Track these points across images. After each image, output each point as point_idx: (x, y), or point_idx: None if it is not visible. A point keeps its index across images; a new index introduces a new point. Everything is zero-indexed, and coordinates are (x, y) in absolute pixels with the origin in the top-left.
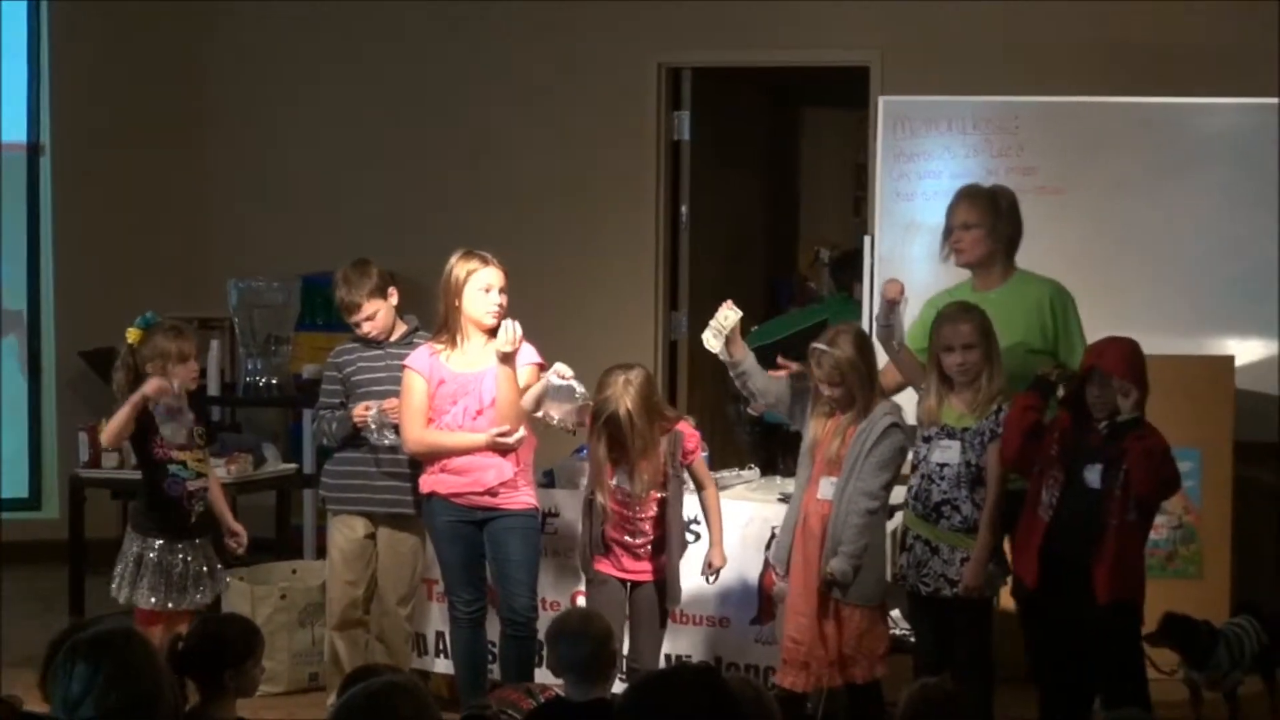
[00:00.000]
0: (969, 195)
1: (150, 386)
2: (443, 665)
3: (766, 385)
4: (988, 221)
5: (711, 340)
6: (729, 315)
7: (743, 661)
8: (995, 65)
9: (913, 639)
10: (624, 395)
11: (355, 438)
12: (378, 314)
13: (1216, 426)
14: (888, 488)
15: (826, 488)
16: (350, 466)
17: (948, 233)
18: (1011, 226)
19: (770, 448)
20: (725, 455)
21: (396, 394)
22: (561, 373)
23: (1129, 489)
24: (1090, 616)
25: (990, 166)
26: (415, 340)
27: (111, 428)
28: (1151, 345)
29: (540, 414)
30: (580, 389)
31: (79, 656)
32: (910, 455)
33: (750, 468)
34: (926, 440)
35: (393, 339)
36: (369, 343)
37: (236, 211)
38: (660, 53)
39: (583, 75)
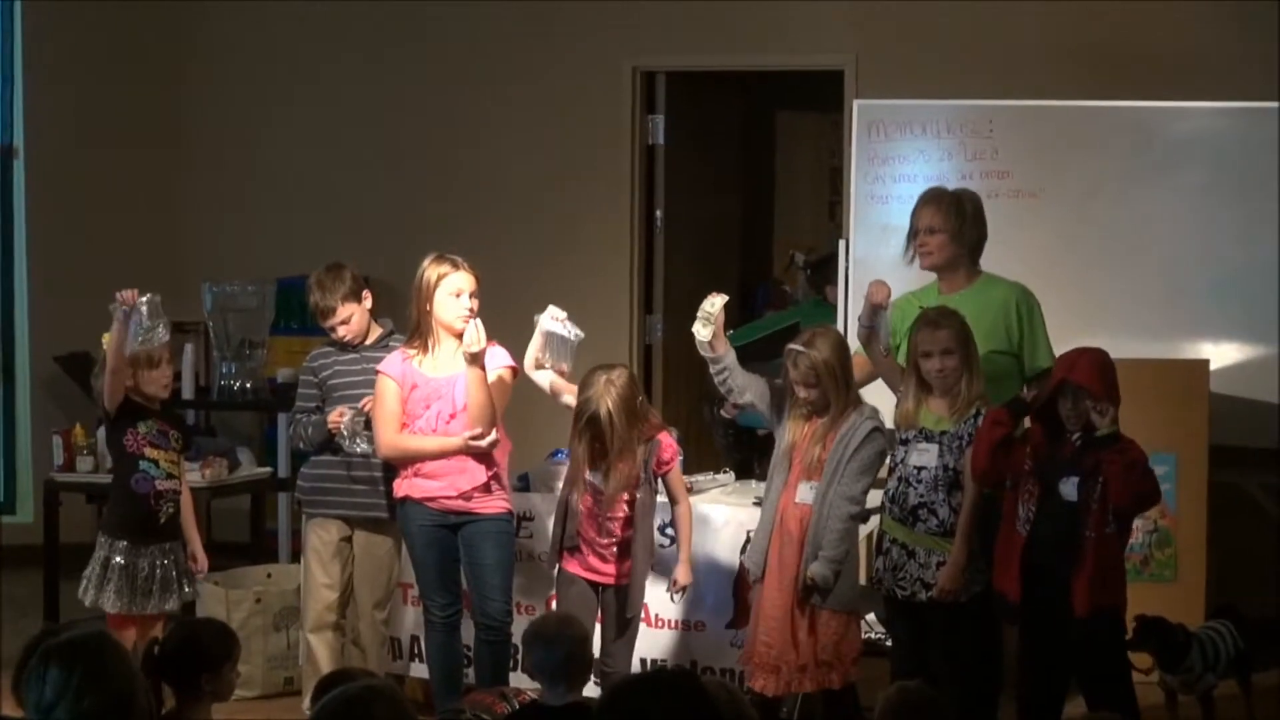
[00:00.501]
0: (934, 199)
1: (122, 295)
2: (418, 669)
3: (745, 383)
4: (952, 226)
5: (701, 329)
6: (715, 302)
7: (718, 665)
8: (970, 68)
9: (888, 643)
10: (605, 395)
11: (331, 442)
12: (352, 318)
13: (1192, 430)
14: (867, 492)
15: (805, 492)
16: (326, 470)
17: (912, 235)
18: (976, 230)
19: (745, 451)
20: (701, 459)
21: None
22: (555, 314)
23: (1107, 501)
24: (1072, 629)
25: (964, 170)
26: (390, 344)
27: (110, 346)
28: (1126, 349)
29: (537, 367)
30: (575, 331)
31: (52, 661)
32: (887, 458)
33: (725, 471)
34: (904, 443)
35: (368, 342)
36: (344, 346)
37: (211, 215)
38: (634, 56)
39: (556, 79)
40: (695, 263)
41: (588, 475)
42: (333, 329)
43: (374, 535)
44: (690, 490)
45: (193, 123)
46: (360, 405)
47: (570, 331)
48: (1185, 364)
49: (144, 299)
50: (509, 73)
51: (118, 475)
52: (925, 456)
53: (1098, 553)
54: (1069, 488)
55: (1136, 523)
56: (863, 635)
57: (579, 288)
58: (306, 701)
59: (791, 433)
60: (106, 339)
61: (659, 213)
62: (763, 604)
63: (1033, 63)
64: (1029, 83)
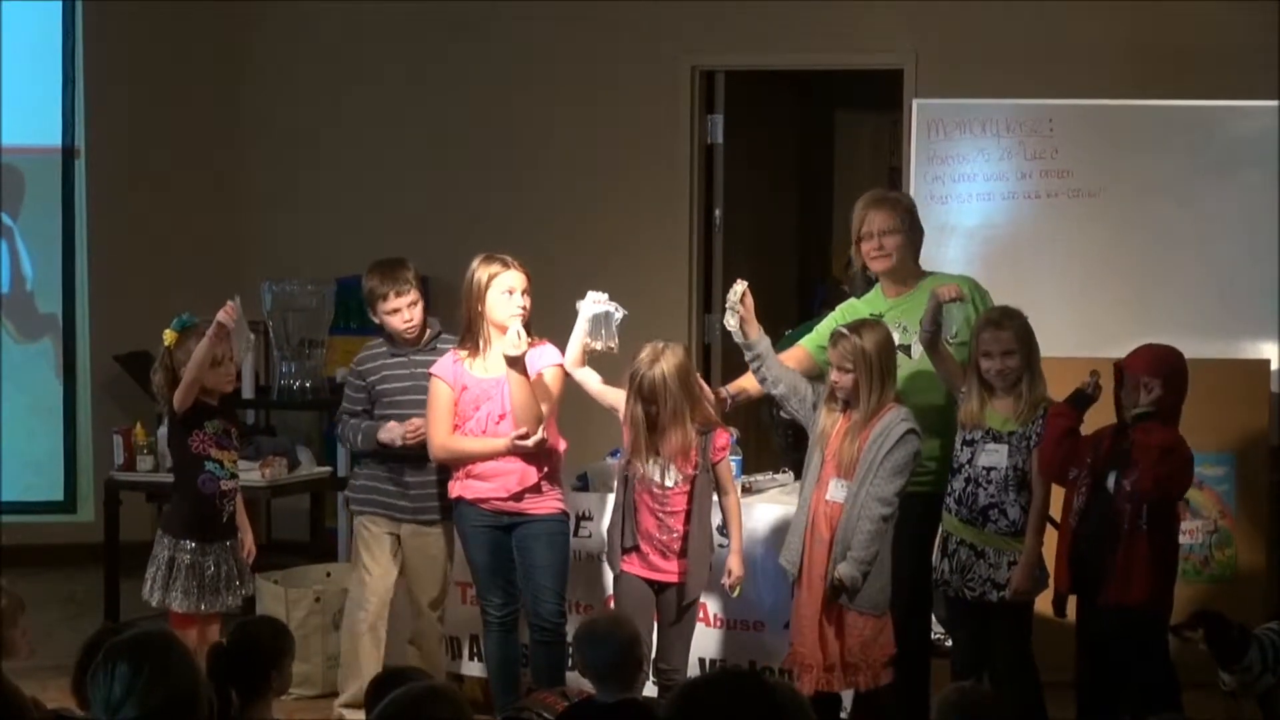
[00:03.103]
0: (883, 201)
1: (222, 315)
2: (476, 669)
3: (780, 373)
4: (904, 225)
5: (729, 319)
6: (736, 289)
7: (777, 665)
8: (1029, 68)
9: (948, 643)
10: (659, 360)
11: (379, 449)
12: (418, 305)
13: (1252, 431)
14: (900, 494)
15: (836, 490)
16: (375, 471)
17: (859, 241)
18: (920, 230)
19: (804, 451)
20: (760, 459)
21: (423, 402)
22: (596, 298)
23: (1135, 489)
24: (1100, 622)
25: (1024, 169)
26: (438, 345)
27: (196, 357)
28: (1186, 349)
29: (586, 351)
30: (618, 309)
31: (120, 658)
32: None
33: (784, 471)
34: (969, 444)
35: (420, 343)
36: (394, 348)
37: (270, 214)
38: (693, 56)
39: (615, 79)
40: (754, 262)
41: (644, 469)
42: (397, 311)
43: (425, 536)
44: (749, 490)
45: (251, 123)
46: (405, 435)
47: (614, 307)
48: (1246, 364)
49: (237, 307)
50: (567, 72)
51: (183, 476)
52: (994, 457)
53: (1127, 547)
54: (1110, 480)
55: (1196, 523)
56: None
57: (637, 287)
58: (345, 698)
59: (824, 420)
60: (169, 337)
61: (718, 212)
62: (797, 603)
63: (1093, 62)
64: (1089, 82)
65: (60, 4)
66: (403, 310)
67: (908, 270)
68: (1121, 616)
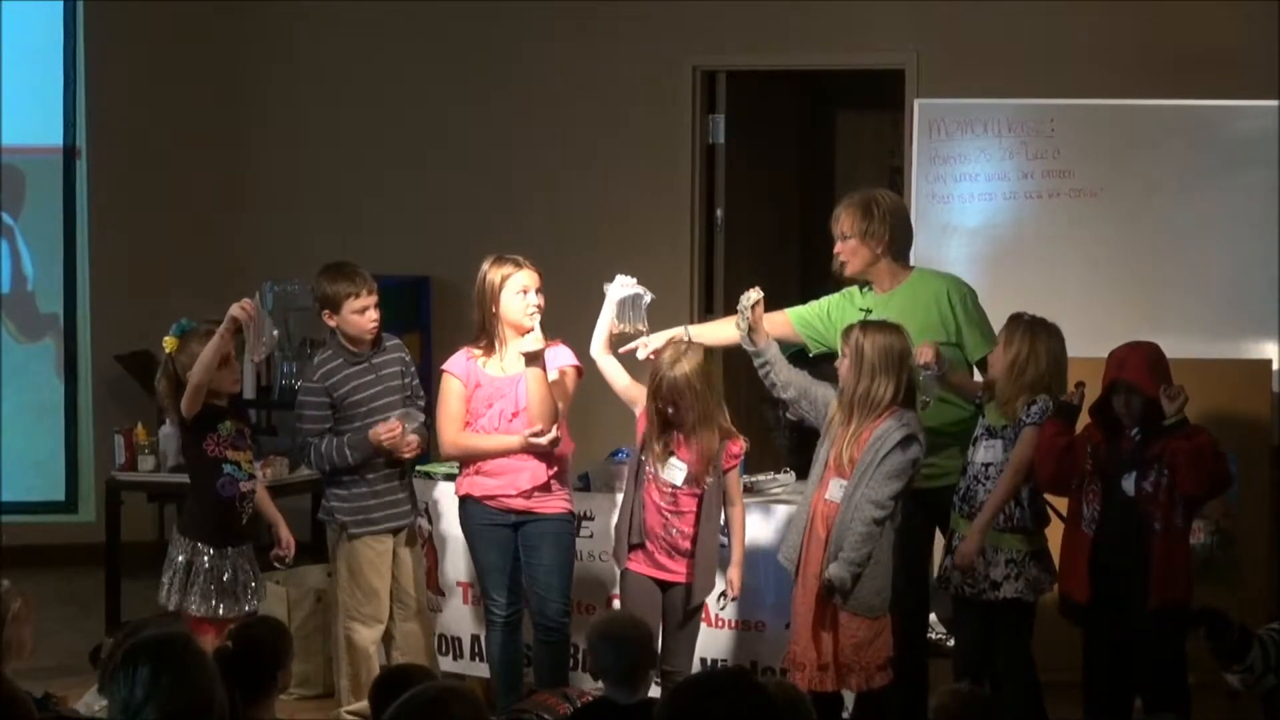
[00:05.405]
0: (846, 205)
1: (236, 310)
2: (478, 669)
3: (790, 377)
4: (859, 229)
5: (740, 323)
6: (750, 295)
7: (778, 665)
8: (1030, 68)
9: (950, 643)
10: (682, 361)
11: (375, 456)
12: (378, 304)
13: (1254, 431)
14: (897, 498)
15: (835, 489)
16: (362, 487)
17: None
18: (891, 229)
19: (808, 452)
20: (762, 459)
21: (395, 404)
22: (624, 281)
23: (1174, 492)
24: (1140, 624)
25: (1026, 169)
26: (386, 345)
27: (203, 359)
28: (1187, 349)
29: (616, 333)
30: (646, 291)
31: (140, 660)
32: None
33: (786, 471)
34: (974, 440)
35: (376, 346)
36: (350, 356)
37: (271, 214)
38: (695, 56)
39: (617, 79)
40: (755, 263)
41: (658, 471)
42: (365, 310)
43: (411, 539)
44: (750, 490)
45: (253, 123)
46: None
47: (643, 290)
48: (1248, 364)
49: (254, 304)
50: (569, 72)
51: (200, 480)
52: (991, 453)
53: (1167, 544)
54: (1128, 483)
55: (1197, 523)
56: (928, 636)
57: None
58: (355, 705)
59: (834, 410)
60: (170, 343)
61: (719, 212)
62: (794, 601)
63: (1094, 61)
64: (1090, 82)
65: (60, 4)
66: (370, 309)
67: (882, 269)
68: (1165, 616)
